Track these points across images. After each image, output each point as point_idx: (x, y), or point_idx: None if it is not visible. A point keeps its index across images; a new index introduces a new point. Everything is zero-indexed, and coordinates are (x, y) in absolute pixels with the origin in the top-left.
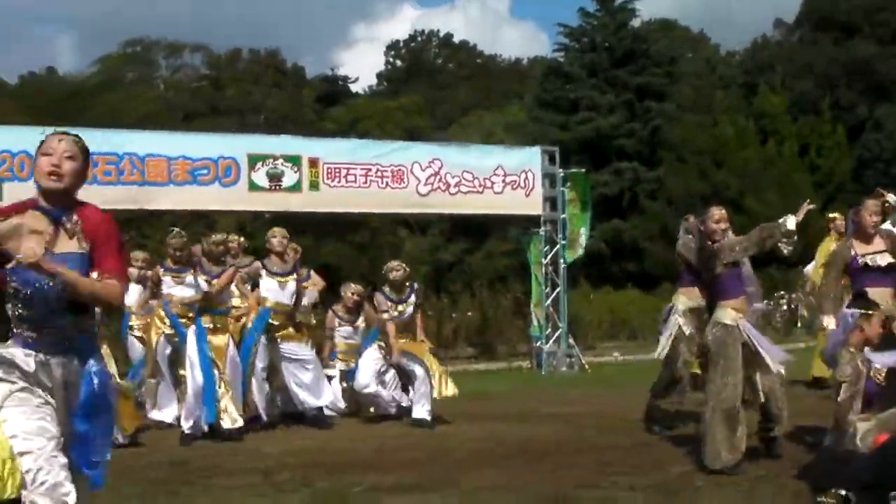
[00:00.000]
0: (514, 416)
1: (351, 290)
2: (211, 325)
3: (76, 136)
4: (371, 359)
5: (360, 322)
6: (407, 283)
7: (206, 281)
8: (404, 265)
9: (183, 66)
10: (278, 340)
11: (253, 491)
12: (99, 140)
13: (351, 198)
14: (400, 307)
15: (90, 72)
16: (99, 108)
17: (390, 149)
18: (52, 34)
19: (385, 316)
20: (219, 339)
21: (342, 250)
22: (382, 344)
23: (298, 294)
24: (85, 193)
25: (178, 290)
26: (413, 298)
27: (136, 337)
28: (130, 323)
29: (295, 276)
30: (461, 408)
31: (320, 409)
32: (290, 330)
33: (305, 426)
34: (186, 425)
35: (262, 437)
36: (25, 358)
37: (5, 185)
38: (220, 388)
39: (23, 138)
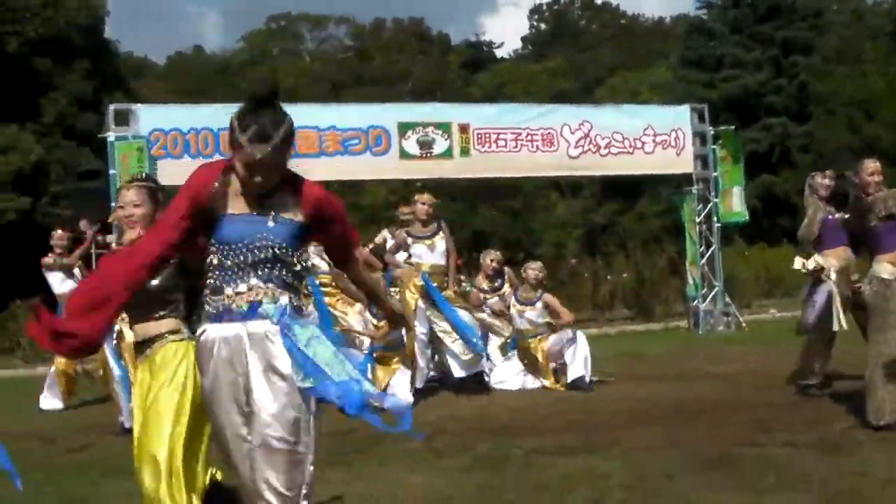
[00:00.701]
0: (672, 376)
1: (490, 258)
2: None
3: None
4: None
5: (506, 287)
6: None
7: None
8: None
9: (328, 39)
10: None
11: (415, 456)
12: None
13: (502, 163)
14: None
15: (236, 48)
16: (246, 83)
17: (539, 112)
18: (200, 13)
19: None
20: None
21: (494, 216)
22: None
23: (449, 251)
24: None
25: (318, 260)
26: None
27: None
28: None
29: (441, 234)
30: (619, 369)
31: (481, 374)
32: (450, 293)
33: (465, 391)
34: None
35: (423, 403)
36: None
37: (160, 163)
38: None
39: (173, 117)
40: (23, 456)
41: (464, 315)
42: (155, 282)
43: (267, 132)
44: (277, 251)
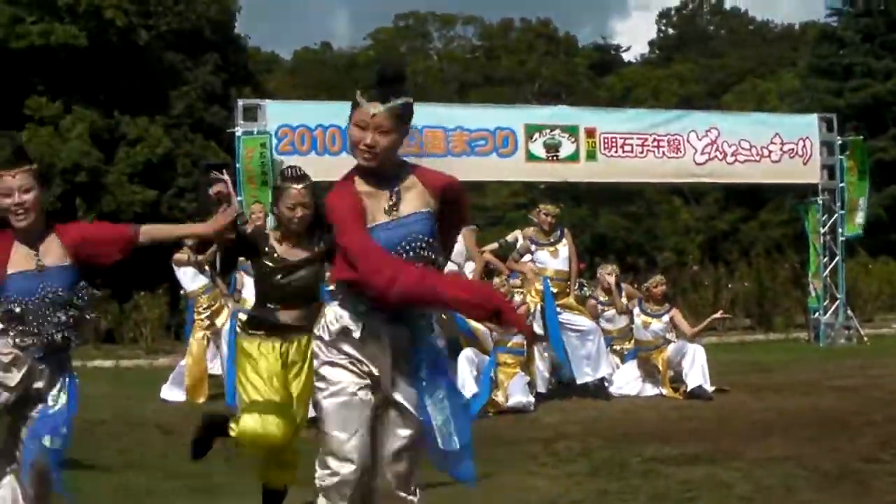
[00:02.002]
0: (792, 388)
1: (608, 272)
2: None
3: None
4: None
5: (623, 299)
6: None
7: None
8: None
9: (456, 38)
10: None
11: (533, 461)
12: None
13: (628, 168)
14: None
15: (363, 46)
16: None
17: (666, 118)
18: (328, 9)
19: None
20: None
21: (616, 221)
22: None
23: (571, 258)
24: None
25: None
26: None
27: None
28: None
29: (564, 241)
30: (740, 378)
31: (601, 379)
32: (570, 299)
33: (584, 396)
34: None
35: (542, 407)
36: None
37: (285, 160)
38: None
39: (301, 113)
40: (144, 445)
41: (578, 322)
42: (306, 274)
43: (386, 95)
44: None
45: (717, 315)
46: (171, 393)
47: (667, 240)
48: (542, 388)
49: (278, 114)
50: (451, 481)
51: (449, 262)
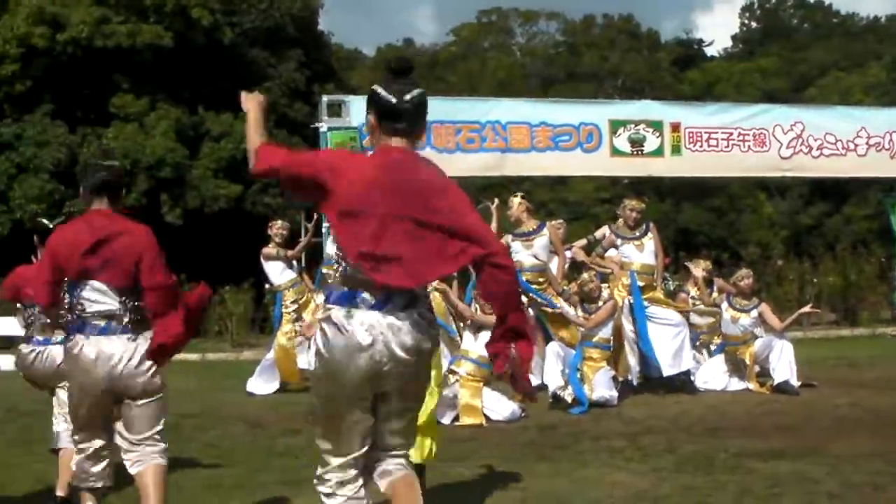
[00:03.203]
0: (878, 384)
1: (701, 267)
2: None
3: None
4: None
5: (714, 295)
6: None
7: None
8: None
9: (538, 34)
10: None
11: (618, 455)
12: (460, 109)
13: (713, 162)
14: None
15: (446, 42)
16: (456, 76)
17: (751, 112)
18: (411, 5)
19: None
20: None
21: (700, 214)
22: None
23: (657, 252)
24: (448, 161)
25: (525, 255)
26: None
27: None
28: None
29: (649, 235)
30: (826, 374)
31: (687, 374)
32: (657, 293)
33: (670, 391)
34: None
35: (627, 401)
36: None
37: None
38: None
39: None
40: (231, 439)
41: (665, 315)
42: None
43: (404, 87)
44: None
45: (806, 308)
46: (258, 386)
47: (750, 234)
48: (634, 381)
49: (362, 109)
50: (546, 475)
51: (533, 258)
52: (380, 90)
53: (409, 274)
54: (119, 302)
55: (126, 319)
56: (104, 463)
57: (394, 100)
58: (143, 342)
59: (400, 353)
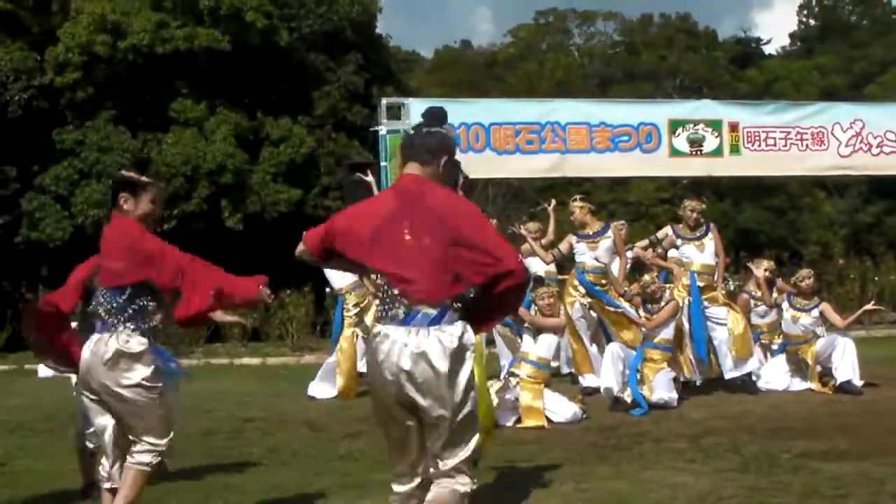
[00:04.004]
0: None
1: (763, 267)
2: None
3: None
4: None
5: (774, 295)
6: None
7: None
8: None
9: (596, 34)
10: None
11: (680, 456)
12: (519, 110)
13: (771, 161)
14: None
15: (503, 43)
16: (513, 78)
17: (810, 111)
18: (468, 8)
19: None
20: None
21: (759, 214)
22: None
23: (717, 252)
24: (508, 163)
25: (589, 257)
26: None
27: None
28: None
29: (710, 235)
30: (889, 373)
31: (748, 374)
32: (717, 293)
33: (731, 391)
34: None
35: (688, 402)
36: None
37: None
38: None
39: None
40: (293, 443)
41: (725, 316)
42: None
43: (430, 123)
44: None
45: (869, 306)
46: (319, 390)
47: (810, 233)
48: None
49: (421, 112)
50: (608, 477)
51: (595, 260)
52: (409, 130)
53: (429, 290)
54: None
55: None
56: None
57: (412, 132)
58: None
59: (413, 367)
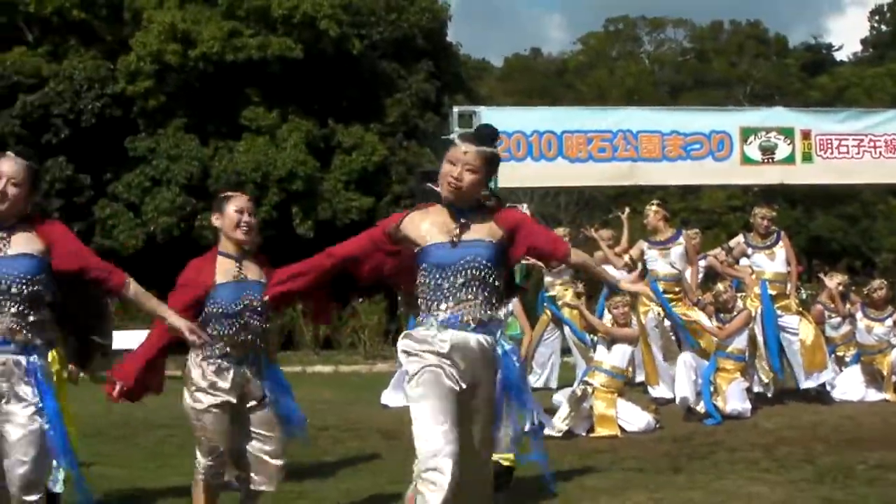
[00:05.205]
0: None
1: (836, 281)
2: None
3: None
4: None
5: (847, 307)
6: None
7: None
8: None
9: (666, 41)
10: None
11: (755, 466)
12: (591, 118)
13: (844, 169)
14: None
15: (573, 51)
16: (583, 85)
17: (883, 118)
18: (538, 16)
19: None
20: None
21: (832, 222)
22: None
23: (790, 260)
24: (580, 170)
25: (662, 264)
26: None
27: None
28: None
29: (781, 244)
30: None
31: (822, 384)
32: (790, 301)
33: (805, 401)
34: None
35: (762, 412)
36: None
37: (502, 168)
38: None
39: (515, 119)
40: (367, 451)
41: (794, 324)
42: None
43: (480, 141)
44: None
45: None
46: (393, 398)
47: (884, 241)
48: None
49: (493, 120)
50: (682, 487)
51: (669, 267)
52: (457, 139)
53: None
54: None
55: None
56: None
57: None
58: None
59: (455, 371)
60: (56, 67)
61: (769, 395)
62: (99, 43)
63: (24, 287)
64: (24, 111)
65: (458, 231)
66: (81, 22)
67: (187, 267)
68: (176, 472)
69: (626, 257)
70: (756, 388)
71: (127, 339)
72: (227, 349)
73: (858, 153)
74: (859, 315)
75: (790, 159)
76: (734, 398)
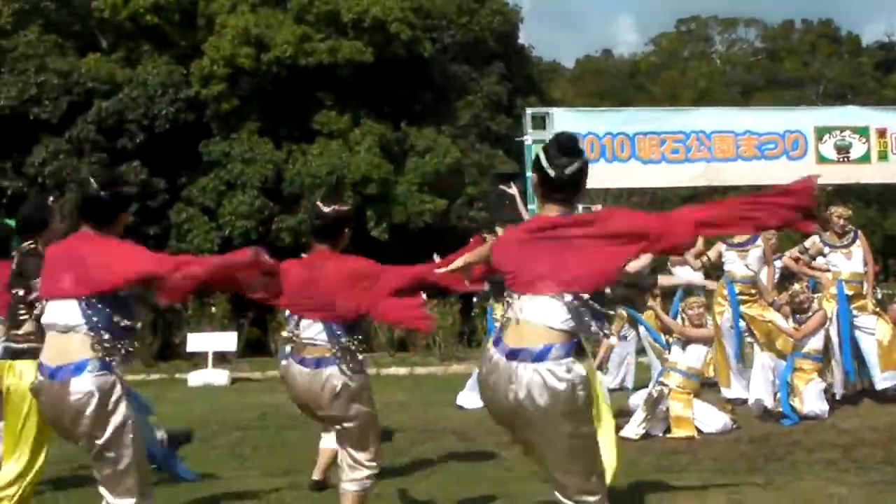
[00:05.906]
0: None
1: None
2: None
3: None
4: None
5: None
6: None
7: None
8: None
9: (738, 41)
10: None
11: (833, 467)
12: (664, 119)
13: None
14: None
15: (645, 52)
16: (657, 86)
17: None
18: (609, 18)
19: None
20: None
21: None
22: None
23: (866, 259)
24: (653, 171)
25: (739, 266)
26: None
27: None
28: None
29: (858, 243)
30: None
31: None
32: (865, 302)
33: (881, 402)
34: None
35: (839, 413)
36: None
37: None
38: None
39: (588, 120)
40: (443, 452)
41: (871, 324)
42: None
43: (568, 160)
44: None
45: None
46: (468, 400)
47: None
48: (839, 392)
49: (566, 122)
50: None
51: (745, 268)
52: (543, 160)
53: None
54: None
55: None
56: None
57: (553, 174)
58: None
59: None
60: (130, 73)
61: (838, 396)
62: (172, 48)
63: None
64: (100, 117)
65: None
66: (155, 27)
67: None
68: (254, 473)
69: (704, 258)
70: (838, 390)
71: (202, 342)
72: None
73: None
74: None
75: (866, 158)
76: (812, 399)
